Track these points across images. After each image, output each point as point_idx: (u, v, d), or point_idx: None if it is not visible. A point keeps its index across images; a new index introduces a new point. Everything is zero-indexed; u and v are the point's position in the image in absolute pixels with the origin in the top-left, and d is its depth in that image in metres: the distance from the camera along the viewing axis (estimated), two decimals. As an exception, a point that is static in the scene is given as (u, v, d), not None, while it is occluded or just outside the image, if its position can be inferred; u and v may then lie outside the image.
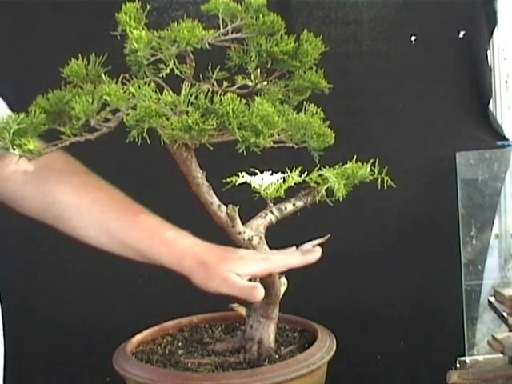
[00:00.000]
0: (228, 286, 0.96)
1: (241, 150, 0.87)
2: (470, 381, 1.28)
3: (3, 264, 1.57)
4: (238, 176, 1.01)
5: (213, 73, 0.96)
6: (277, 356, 1.05)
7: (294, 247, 1.05)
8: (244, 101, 0.89)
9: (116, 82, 0.89)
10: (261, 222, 1.03)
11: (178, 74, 0.91)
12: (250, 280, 0.98)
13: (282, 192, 1.02)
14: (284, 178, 1.03)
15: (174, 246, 1.01)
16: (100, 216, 1.05)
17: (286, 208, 1.05)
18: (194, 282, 0.98)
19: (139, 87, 0.87)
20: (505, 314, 1.37)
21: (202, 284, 0.97)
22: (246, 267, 0.98)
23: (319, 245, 1.09)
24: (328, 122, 0.97)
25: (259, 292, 0.95)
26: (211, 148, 0.90)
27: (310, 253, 1.03)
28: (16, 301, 1.62)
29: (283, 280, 1.09)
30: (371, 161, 1.02)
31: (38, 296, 1.64)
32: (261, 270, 0.99)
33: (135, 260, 1.04)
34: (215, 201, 0.97)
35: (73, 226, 1.07)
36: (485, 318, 1.62)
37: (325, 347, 1.04)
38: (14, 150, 0.85)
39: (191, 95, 0.88)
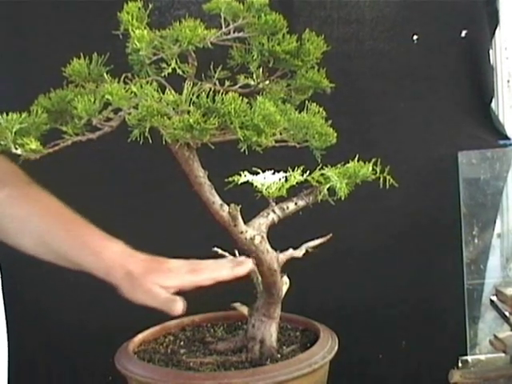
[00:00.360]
0: (151, 298, 0.96)
1: (243, 150, 0.87)
2: (471, 380, 1.28)
3: (4, 258, 1.57)
4: (240, 175, 1.01)
5: (215, 72, 0.96)
6: (279, 355, 1.06)
7: (228, 258, 1.04)
8: (246, 100, 0.89)
9: (118, 82, 0.89)
10: (263, 222, 1.03)
11: (180, 73, 0.91)
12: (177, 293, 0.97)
13: (284, 191, 1.02)
14: (286, 177, 1.03)
15: (103, 256, 1.01)
16: (36, 227, 1.06)
17: (288, 207, 1.05)
18: (121, 292, 0.98)
19: (141, 86, 0.87)
20: (507, 314, 1.37)
21: (129, 295, 0.97)
22: (171, 280, 0.98)
23: (320, 244, 1.10)
24: (330, 122, 0.97)
25: (178, 305, 0.95)
26: (213, 147, 0.90)
27: (240, 265, 1.01)
28: (16, 300, 1.62)
29: (285, 279, 1.09)
30: (373, 160, 1.02)
31: (38, 295, 1.64)
32: (187, 283, 0.99)
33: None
34: (217, 200, 0.97)
35: (9, 236, 1.08)
36: (487, 317, 1.61)
37: (327, 346, 1.04)
38: (16, 149, 0.85)
39: (193, 94, 0.88)
